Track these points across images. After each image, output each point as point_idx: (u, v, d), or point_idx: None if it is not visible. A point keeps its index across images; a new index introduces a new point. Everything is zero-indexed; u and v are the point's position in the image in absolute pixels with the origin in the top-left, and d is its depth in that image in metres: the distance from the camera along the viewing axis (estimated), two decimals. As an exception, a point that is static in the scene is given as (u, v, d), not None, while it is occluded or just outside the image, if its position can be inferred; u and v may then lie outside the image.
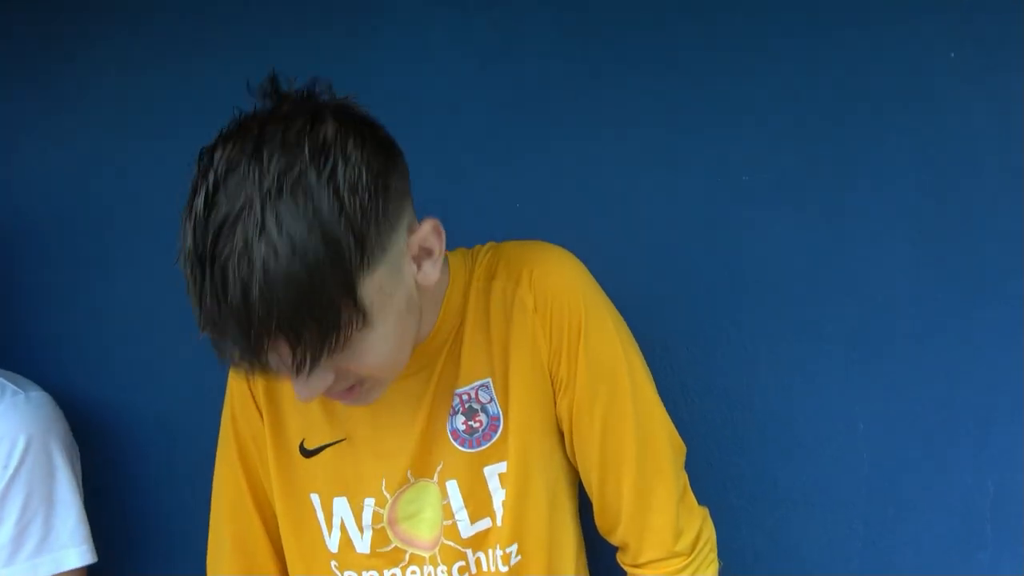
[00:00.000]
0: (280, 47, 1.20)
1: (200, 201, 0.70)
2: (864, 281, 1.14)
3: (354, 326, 0.74)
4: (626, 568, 1.00)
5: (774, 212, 1.15)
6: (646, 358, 0.99)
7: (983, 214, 1.10)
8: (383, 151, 0.78)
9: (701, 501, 1.02)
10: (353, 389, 0.84)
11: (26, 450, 1.07)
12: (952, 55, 1.10)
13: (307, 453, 0.99)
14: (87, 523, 1.11)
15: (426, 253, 0.84)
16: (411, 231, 0.82)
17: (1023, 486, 1.12)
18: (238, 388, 1.00)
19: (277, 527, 1.02)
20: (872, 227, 1.13)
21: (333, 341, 0.72)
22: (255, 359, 0.72)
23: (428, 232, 0.83)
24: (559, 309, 0.91)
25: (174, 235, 1.20)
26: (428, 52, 1.18)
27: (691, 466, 1.15)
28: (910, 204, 1.12)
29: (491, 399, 0.94)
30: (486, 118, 1.18)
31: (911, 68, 1.10)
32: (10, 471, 1.06)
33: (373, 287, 0.75)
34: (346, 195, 0.71)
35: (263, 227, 0.68)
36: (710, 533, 1.00)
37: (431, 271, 0.84)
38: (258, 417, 0.99)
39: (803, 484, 1.18)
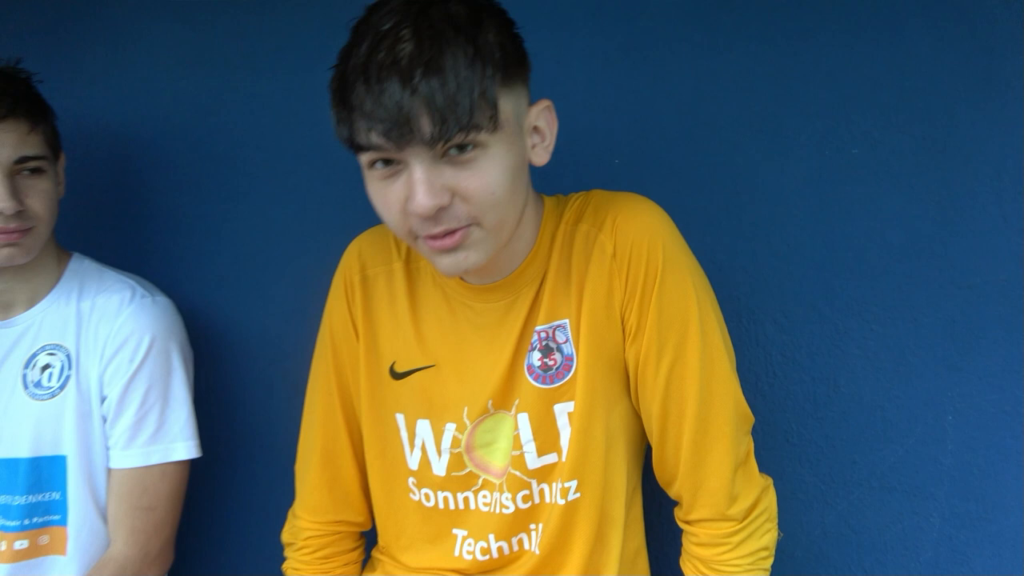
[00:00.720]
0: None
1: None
2: (967, 270, 1.11)
3: (484, 124, 0.82)
4: (680, 523, 1.02)
5: (880, 189, 1.13)
6: (732, 326, 0.99)
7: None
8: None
9: (774, 474, 1.03)
10: (458, 233, 0.86)
11: (150, 348, 1.18)
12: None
13: (396, 375, 1.05)
14: (195, 421, 1.22)
15: (539, 134, 0.92)
16: (533, 103, 0.91)
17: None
18: (338, 309, 1.08)
19: (362, 442, 1.10)
20: (980, 216, 1.10)
21: (468, 115, 0.80)
22: (404, 126, 0.80)
23: (542, 109, 0.92)
24: (637, 257, 0.93)
25: (289, 167, 1.29)
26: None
27: (767, 437, 1.16)
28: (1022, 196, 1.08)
29: (567, 339, 0.97)
30: (600, 73, 1.20)
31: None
32: (135, 365, 1.17)
33: (505, 104, 0.85)
34: (503, 32, 0.86)
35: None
36: (769, 503, 1.00)
37: (540, 154, 0.92)
38: (355, 338, 1.06)
39: (882, 469, 1.16)
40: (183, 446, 1.20)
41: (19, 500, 1.17)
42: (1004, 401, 1.11)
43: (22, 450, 1.17)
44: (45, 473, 1.17)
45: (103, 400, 1.18)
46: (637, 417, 1.02)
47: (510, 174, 0.87)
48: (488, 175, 0.85)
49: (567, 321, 0.97)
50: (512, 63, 0.86)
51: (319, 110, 1.27)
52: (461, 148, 0.83)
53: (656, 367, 0.94)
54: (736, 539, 0.96)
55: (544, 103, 0.92)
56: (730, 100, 1.17)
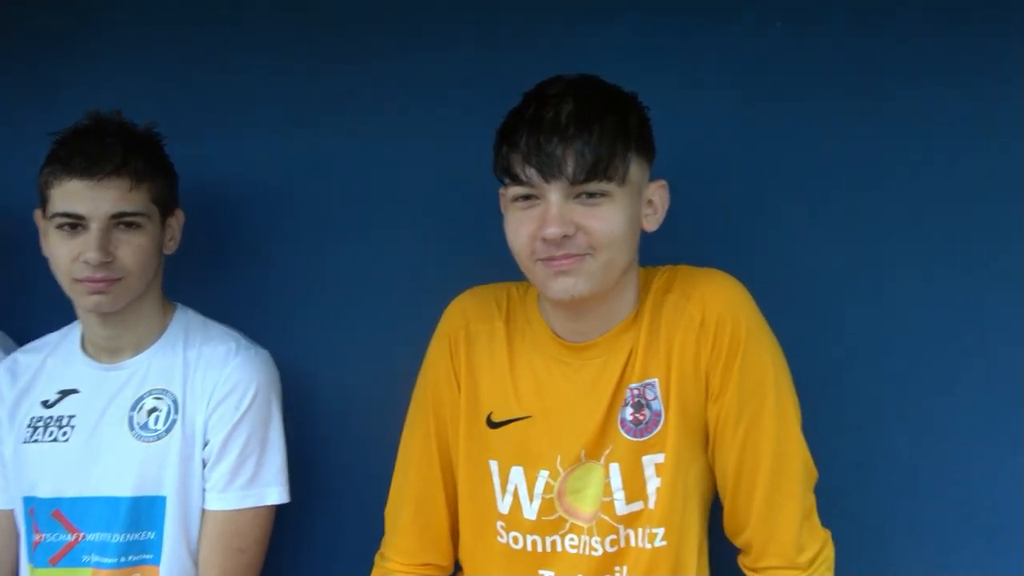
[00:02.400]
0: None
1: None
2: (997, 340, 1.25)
3: (614, 178, 1.01)
4: (746, 570, 1.11)
5: (916, 272, 1.27)
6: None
7: None
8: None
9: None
10: (572, 258, 1.02)
11: (254, 397, 1.27)
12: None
13: (493, 424, 1.15)
14: (287, 468, 1.30)
15: (652, 206, 1.10)
16: (652, 180, 1.10)
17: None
18: (442, 362, 1.18)
19: (455, 489, 1.19)
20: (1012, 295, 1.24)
21: (605, 167, 1.00)
22: (553, 166, 1.00)
23: (660, 187, 1.11)
24: (722, 328, 1.06)
25: (378, 228, 1.40)
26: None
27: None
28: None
29: (656, 396, 1.09)
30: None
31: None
32: (240, 412, 1.26)
33: (634, 170, 1.04)
34: (641, 118, 1.08)
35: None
36: (829, 553, 1.10)
37: (651, 222, 1.10)
38: (457, 389, 1.17)
39: (917, 529, 1.28)
40: (276, 491, 1.28)
41: (118, 538, 1.23)
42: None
43: (125, 489, 1.23)
44: (144, 513, 1.24)
45: (205, 444, 1.26)
46: (710, 473, 1.12)
47: (625, 225, 1.04)
48: (609, 219, 1.02)
49: (656, 380, 1.09)
50: (644, 142, 1.07)
51: (407, 175, 1.42)
52: (591, 194, 1.01)
53: (735, 426, 1.06)
54: None
55: (661, 182, 1.10)
56: (771, 169, 1.32)
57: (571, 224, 1.01)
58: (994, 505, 1.25)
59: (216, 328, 1.33)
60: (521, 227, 1.05)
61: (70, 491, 1.24)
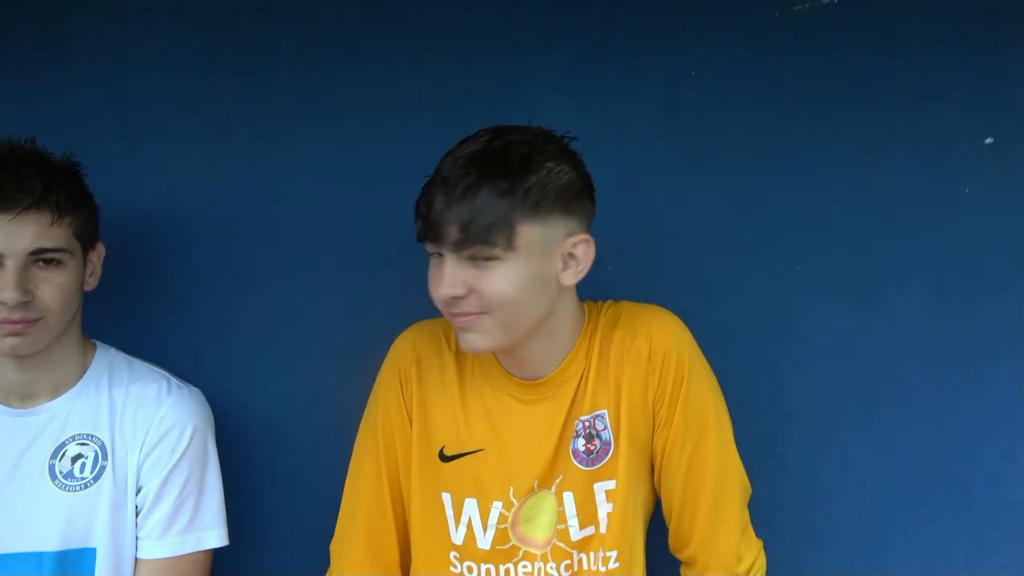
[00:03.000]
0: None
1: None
2: (879, 364, 1.41)
3: (499, 244, 1.02)
4: None
5: (815, 298, 1.41)
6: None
7: (985, 316, 1.38)
8: (586, 182, 1.11)
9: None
10: (470, 316, 1.06)
11: (192, 438, 1.22)
12: (967, 190, 1.40)
13: (445, 458, 1.18)
14: (224, 509, 1.26)
15: (573, 260, 1.09)
16: (570, 235, 1.08)
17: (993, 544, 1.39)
18: (393, 396, 1.20)
19: (404, 521, 1.20)
20: (891, 322, 1.40)
21: (485, 234, 1.01)
22: (439, 230, 1.03)
23: (580, 241, 1.09)
24: (668, 362, 1.13)
25: (300, 260, 1.40)
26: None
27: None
28: (923, 305, 1.40)
29: (605, 427, 1.15)
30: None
31: (931, 202, 1.40)
32: (177, 455, 1.21)
33: (529, 231, 1.03)
34: (556, 176, 1.06)
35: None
36: (762, 561, 1.21)
37: (569, 278, 1.10)
38: (408, 423, 1.18)
39: (817, 524, 1.42)
40: (216, 534, 1.24)
41: (46, 597, 1.16)
42: (906, 468, 1.41)
43: (49, 543, 1.16)
44: (71, 567, 1.17)
45: (138, 490, 1.20)
46: (653, 494, 1.20)
47: (522, 284, 1.05)
48: (499, 281, 1.04)
49: (606, 412, 1.15)
50: (549, 202, 1.05)
51: (330, 205, 1.42)
52: (480, 257, 1.03)
53: (681, 451, 1.14)
54: None
55: (583, 237, 1.10)
56: (702, 221, 1.42)
57: (462, 285, 1.04)
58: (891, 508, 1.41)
59: (142, 367, 1.27)
60: (432, 282, 1.09)
61: None
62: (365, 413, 1.23)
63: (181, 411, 1.23)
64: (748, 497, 1.21)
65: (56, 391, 1.21)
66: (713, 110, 1.42)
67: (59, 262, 1.15)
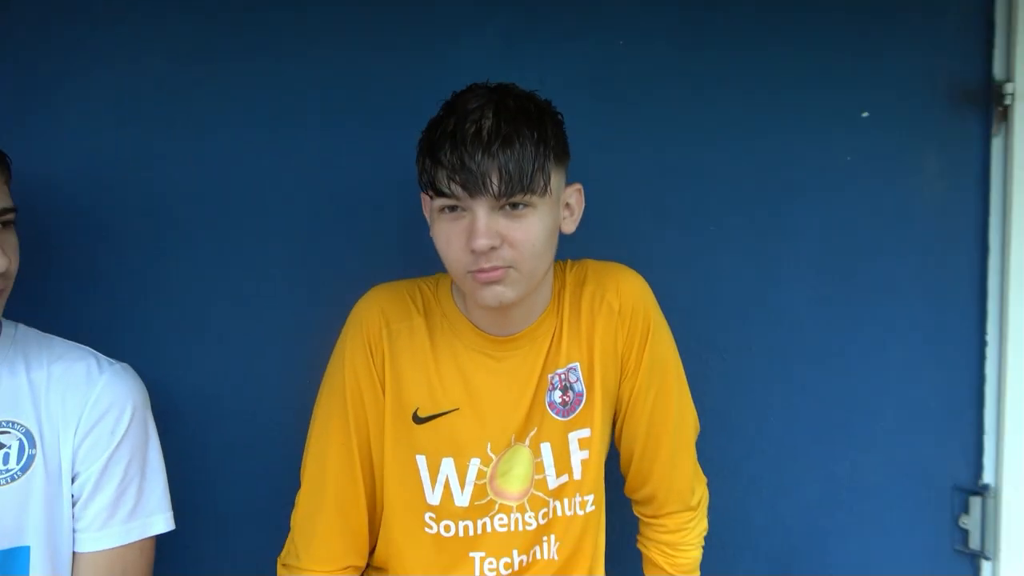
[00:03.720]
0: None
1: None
2: (778, 309, 1.56)
3: (537, 190, 1.04)
4: (646, 518, 1.29)
5: (726, 254, 1.54)
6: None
7: (864, 266, 1.58)
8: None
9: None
10: (499, 271, 1.05)
11: (131, 418, 1.10)
12: (848, 158, 1.58)
13: (419, 420, 1.16)
14: (168, 492, 1.15)
15: (569, 209, 1.14)
16: (568, 183, 1.14)
17: (874, 466, 1.60)
18: (362, 362, 1.15)
19: (372, 488, 1.17)
20: (790, 274, 1.56)
21: (528, 181, 1.03)
22: (479, 181, 1.02)
23: (575, 190, 1.14)
24: (636, 315, 1.20)
25: (226, 225, 1.31)
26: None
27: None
28: (811, 256, 1.57)
29: (578, 379, 1.19)
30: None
31: (821, 168, 1.57)
32: (117, 438, 1.09)
33: (554, 179, 1.07)
34: (556, 127, 1.09)
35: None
36: (706, 493, 1.33)
37: (569, 226, 1.15)
38: (379, 388, 1.15)
39: (728, 457, 1.55)
40: (162, 519, 1.14)
41: (-25, 605, 1.01)
42: (803, 403, 1.58)
43: None
44: (2, 569, 1.03)
45: (74, 479, 1.07)
46: (610, 439, 1.26)
47: (547, 233, 1.08)
48: (532, 229, 1.06)
49: (578, 364, 1.19)
50: (560, 151, 1.10)
51: (256, 168, 1.33)
52: (515, 205, 1.04)
53: (645, 397, 1.21)
54: (692, 523, 1.27)
55: (577, 186, 1.15)
56: (628, 185, 1.49)
57: (497, 236, 1.05)
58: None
59: (62, 344, 1.13)
60: (452, 239, 1.06)
61: None
62: (327, 381, 1.18)
63: (117, 390, 1.10)
64: (697, 435, 1.30)
65: None
66: (635, 83, 1.49)
67: (12, 223, 1.02)
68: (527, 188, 1.03)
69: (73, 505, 1.08)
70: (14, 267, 1.02)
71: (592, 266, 1.23)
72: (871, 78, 1.59)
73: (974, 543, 1.61)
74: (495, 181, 1.02)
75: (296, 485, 1.20)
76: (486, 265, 1.05)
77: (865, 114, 1.59)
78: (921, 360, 1.62)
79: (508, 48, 1.44)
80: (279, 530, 1.21)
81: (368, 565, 1.24)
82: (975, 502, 1.61)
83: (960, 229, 1.64)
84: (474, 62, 1.41)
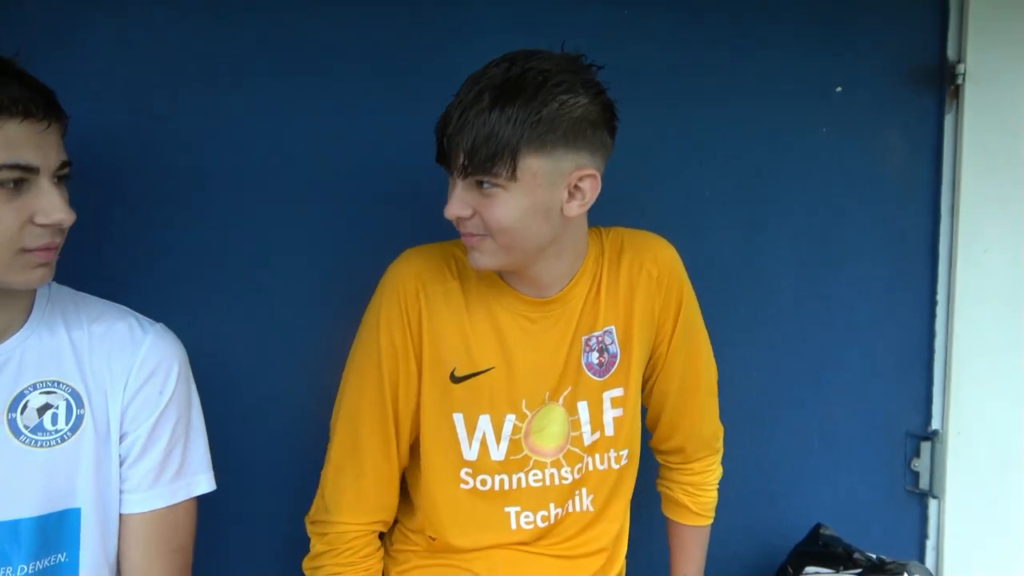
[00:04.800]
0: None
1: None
2: (763, 274, 1.67)
3: (502, 174, 1.05)
4: (676, 466, 1.37)
5: (716, 219, 1.63)
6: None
7: (840, 234, 1.71)
8: (608, 111, 1.11)
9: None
10: (475, 237, 1.10)
11: (178, 378, 1.09)
12: (824, 130, 1.69)
13: (457, 380, 1.20)
14: (209, 452, 1.15)
15: (579, 192, 1.11)
16: (578, 168, 1.10)
17: (840, 415, 1.74)
18: (398, 324, 1.17)
19: (405, 449, 1.21)
20: (769, 238, 1.67)
21: (488, 164, 1.04)
22: (449, 154, 1.07)
23: (587, 176, 1.11)
24: (672, 283, 1.26)
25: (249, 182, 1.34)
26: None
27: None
28: (793, 225, 1.68)
29: (613, 341, 1.25)
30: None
31: (801, 139, 1.67)
32: (165, 398, 1.07)
33: (533, 162, 1.05)
34: (570, 108, 1.06)
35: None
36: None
37: (573, 209, 1.11)
38: (415, 349, 1.18)
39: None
40: (204, 479, 1.13)
41: (26, 569, 0.98)
42: (783, 360, 1.70)
43: (24, 508, 0.98)
44: (54, 532, 1.01)
45: (121, 439, 1.06)
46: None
47: (522, 214, 1.08)
48: (501, 209, 1.07)
49: (613, 327, 1.24)
50: (557, 135, 1.06)
51: (278, 125, 1.32)
52: (482, 183, 1.07)
53: (677, 358, 1.29)
54: (715, 466, 1.38)
55: (590, 171, 1.10)
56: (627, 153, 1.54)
57: (468, 207, 1.09)
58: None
59: (97, 302, 1.10)
60: (447, 202, 1.12)
61: None
62: (360, 341, 1.20)
63: (162, 350, 1.09)
64: None
65: (2, 336, 1.01)
66: (634, 53, 1.54)
67: (65, 178, 0.99)
68: (487, 171, 1.05)
69: (121, 466, 1.07)
70: (67, 226, 0.99)
71: (626, 234, 1.28)
72: (844, 55, 1.70)
73: (923, 484, 1.79)
74: (458, 159, 1.06)
75: (319, 449, 1.23)
76: (464, 231, 1.12)
77: (839, 89, 1.70)
78: (880, 318, 1.77)
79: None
80: (303, 493, 1.23)
81: (396, 521, 1.28)
82: (925, 447, 1.78)
83: (915, 198, 1.79)
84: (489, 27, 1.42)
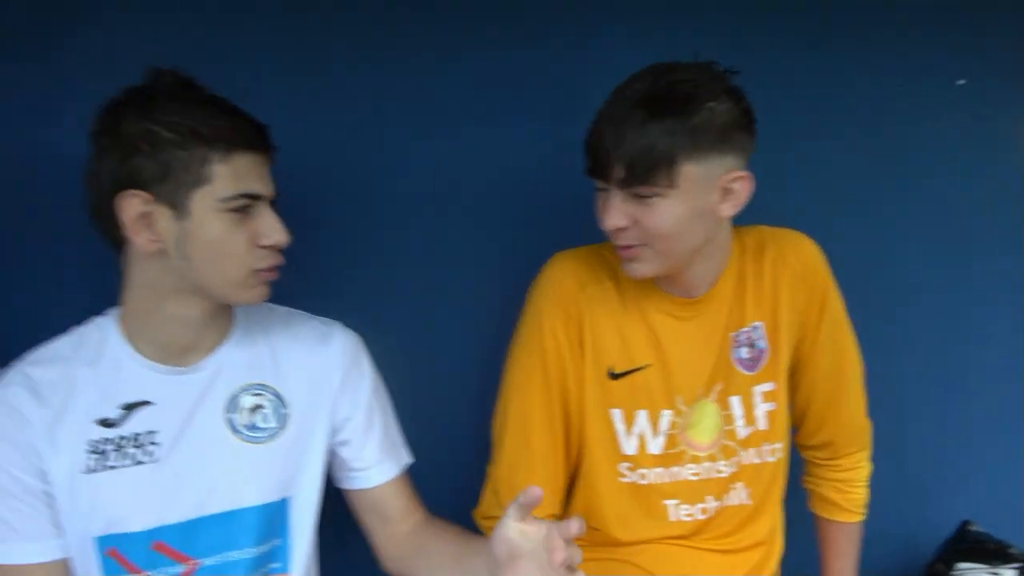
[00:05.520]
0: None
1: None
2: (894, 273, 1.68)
3: (660, 183, 1.10)
4: (823, 461, 1.39)
5: (844, 216, 1.64)
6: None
7: (978, 229, 1.71)
8: (749, 114, 1.16)
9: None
10: (633, 249, 1.15)
11: (369, 365, 1.23)
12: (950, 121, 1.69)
13: (614, 376, 1.26)
14: None
15: (731, 193, 1.16)
16: (729, 171, 1.15)
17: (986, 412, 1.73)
18: (560, 324, 1.25)
19: (572, 445, 1.28)
20: (899, 234, 1.67)
21: (650, 174, 1.09)
22: (605, 168, 1.11)
23: (740, 178, 1.16)
24: (816, 278, 1.29)
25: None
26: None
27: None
28: (926, 223, 1.68)
29: (761, 336, 1.29)
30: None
31: (926, 138, 1.67)
32: (368, 382, 1.22)
33: (690, 169, 1.10)
34: (720, 115, 1.11)
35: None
36: None
37: (726, 209, 1.17)
38: (578, 347, 1.25)
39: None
40: (405, 451, 1.27)
41: (245, 554, 1.10)
42: (917, 356, 1.70)
43: (247, 498, 1.10)
44: (271, 520, 1.13)
45: (340, 428, 1.19)
46: None
47: (681, 219, 1.13)
48: (660, 216, 1.13)
49: (762, 323, 1.28)
50: (709, 141, 1.11)
51: (448, 142, 1.46)
52: (641, 194, 1.12)
53: (823, 352, 1.31)
54: (864, 462, 1.39)
55: (743, 174, 1.16)
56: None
57: (625, 218, 1.13)
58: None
59: (281, 310, 1.22)
60: (599, 214, 1.17)
61: (173, 516, 1.07)
62: (522, 343, 1.27)
63: (351, 342, 1.22)
64: None
65: (214, 344, 1.13)
66: (757, 55, 1.55)
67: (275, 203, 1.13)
68: (647, 181, 1.10)
69: (343, 450, 1.20)
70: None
71: (767, 232, 1.32)
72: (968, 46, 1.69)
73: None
74: (618, 171, 1.10)
75: (473, 446, 1.32)
76: (621, 243, 1.16)
77: (962, 82, 1.70)
78: (1017, 312, 1.74)
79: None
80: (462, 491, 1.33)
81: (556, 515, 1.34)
82: (1073, 443, 1.74)
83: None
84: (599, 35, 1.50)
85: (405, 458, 1.26)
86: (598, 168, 1.13)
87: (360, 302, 1.37)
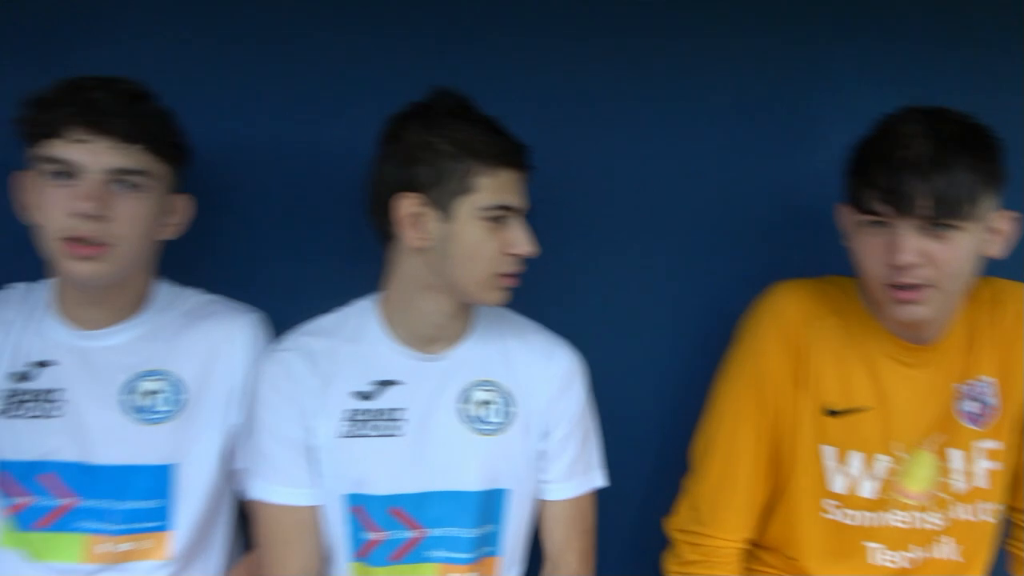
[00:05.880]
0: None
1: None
2: None
3: (963, 215, 1.10)
4: None
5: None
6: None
7: None
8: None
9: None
10: (920, 290, 1.13)
11: (583, 386, 1.32)
12: None
13: (831, 413, 1.26)
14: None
15: (996, 232, 1.17)
16: (997, 208, 1.16)
17: None
18: (778, 356, 1.26)
19: (775, 473, 1.29)
20: None
21: (958, 208, 1.09)
22: (909, 202, 1.10)
23: (1007, 216, 1.17)
24: None
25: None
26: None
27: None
28: None
29: (993, 393, 1.25)
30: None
31: None
32: (579, 402, 1.30)
33: (981, 204, 1.12)
34: (993, 154, 1.14)
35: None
36: None
37: (992, 247, 1.17)
38: (794, 380, 1.26)
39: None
40: (599, 474, 1.32)
41: (467, 533, 1.20)
42: None
43: (472, 483, 1.21)
44: (490, 506, 1.23)
45: (545, 436, 1.26)
46: None
47: (970, 255, 1.14)
48: (955, 251, 1.12)
49: (994, 379, 1.25)
50: (993, 176, 1.14)
51: (661, 164, 1.48)
52: (942, 227, 1.11)
53: None
54: None
55: (1013, 215, 1.18)
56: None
57: (920, 254, 1.12)
58: None
59: (513, 316, 1.32)
60: (873, 251, 1.16)
61: (409, 487, 1.19)
62: (738, 367, 1.29)
63: (573, 363, 1.29)
64: None
65: (456, 338, 1.25)
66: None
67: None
68: (955, 214, 1.10)
69: (542, 459, 1.26)
70: None
71: (999, 283, 1.28)
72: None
73: None
74: (925, 205, 1.09)
75: (666, 458, 1.37)
76: (907, 280, 1.13)
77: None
78: None
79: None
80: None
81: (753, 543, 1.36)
82: None
83: None
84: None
85: (588, 486, 1.30)
86: (900, 201, 1.10)
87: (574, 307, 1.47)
